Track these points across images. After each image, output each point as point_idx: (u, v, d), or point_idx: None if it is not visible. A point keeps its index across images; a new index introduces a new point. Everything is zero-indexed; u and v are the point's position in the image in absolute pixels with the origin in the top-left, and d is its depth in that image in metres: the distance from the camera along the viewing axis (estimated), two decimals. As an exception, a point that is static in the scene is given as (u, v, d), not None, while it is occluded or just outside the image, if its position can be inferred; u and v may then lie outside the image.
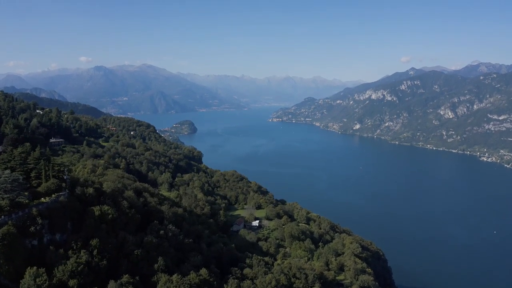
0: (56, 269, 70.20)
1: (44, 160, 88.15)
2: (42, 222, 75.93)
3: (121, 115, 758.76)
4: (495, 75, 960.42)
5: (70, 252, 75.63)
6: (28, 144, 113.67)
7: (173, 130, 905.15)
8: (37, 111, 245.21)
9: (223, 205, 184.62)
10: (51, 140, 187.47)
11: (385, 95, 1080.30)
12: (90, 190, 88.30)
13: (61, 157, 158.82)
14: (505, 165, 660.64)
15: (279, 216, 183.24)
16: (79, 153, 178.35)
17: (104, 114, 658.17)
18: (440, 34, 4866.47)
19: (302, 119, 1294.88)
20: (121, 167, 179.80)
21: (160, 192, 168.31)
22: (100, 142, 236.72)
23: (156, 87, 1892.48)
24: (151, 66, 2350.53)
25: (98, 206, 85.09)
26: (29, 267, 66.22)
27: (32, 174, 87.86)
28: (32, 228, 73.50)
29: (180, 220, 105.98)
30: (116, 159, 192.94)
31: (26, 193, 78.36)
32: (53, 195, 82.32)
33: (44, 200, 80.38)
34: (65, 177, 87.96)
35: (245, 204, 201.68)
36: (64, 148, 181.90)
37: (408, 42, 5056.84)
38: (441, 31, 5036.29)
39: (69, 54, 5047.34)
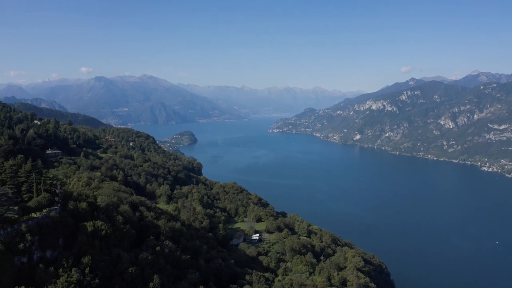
0: (45, 288, 66.80)
1: (36, 173, 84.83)
2: (32, 239, 72.53)
3: (121, 126, 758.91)
4: (495, 85, 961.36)
5: (60, 270, 72.27)
6: (20, 156, 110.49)
7: (173, 141, 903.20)
8: (35, 121, 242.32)
9: (223, 218, 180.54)
10: (48, 152, 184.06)
11: (385, 105, 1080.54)
12: (83, 204, 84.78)
13: (57, 169, 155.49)
14: (506, 175, 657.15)
15: (279, 229, 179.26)
16: (75, 164, 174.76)
17: (104, 124, 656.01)
18: (439, 44, 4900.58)
19: (302, 129, 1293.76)
20: (118, 179, 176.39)
21: (158, 205, 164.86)
22: (98, 153, 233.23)
23: (156, 97, 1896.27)
24: (152, 77, 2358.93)
25: (91, 222, 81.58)
26: (17, 286, 63.04)
27: (23, 188, 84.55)
28: (21, 245, 70.19)
29: (178, 235, 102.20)
30: (114, 171, 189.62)
31: (15, 208, 75.08)
32: (44, 210, 78.90)
33: (35, 215, 76.99)
34: (57, 191, 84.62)
35: (245, 216, 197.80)
36: (60, 160, 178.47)
37: (408, 53, 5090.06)
38: (440, 41, 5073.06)
39: (70, 65, 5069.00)
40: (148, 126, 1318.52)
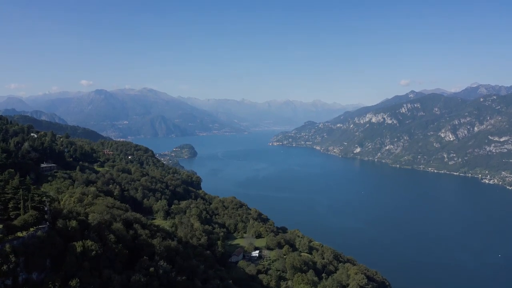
0: (28, 314, 62.06)
1: (23, 190, 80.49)
2: (17, 260, 68.04)
3: (121, 139, 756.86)
4: (495, 97, 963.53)
5: (46, 294, 67.64)
6: (9, 170, 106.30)
7: (173, 154, 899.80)
8: (32, 134, 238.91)
9: (222, 234, 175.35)
10: (42, 165, 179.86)
11: (385, 118, 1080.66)
12: (73, 223, 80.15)
13: (51, 183, 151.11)
14: (507, 187, 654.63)
15: (280, 246, 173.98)
16: (70, 179, 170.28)
17: (103, 137, 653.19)
18: (438, 57, 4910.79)
19: (302, 142, 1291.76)
20: (114, 194, 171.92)
21: (155, 221, 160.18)
22: (95, 167, 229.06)
23: (156, 111, 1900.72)
24: (152, 90, 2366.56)
25: (80, 242, 76.90)
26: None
27: (10, 205, 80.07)
28: (5, 267, 65.65)
29: (173, 254, 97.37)
30: (110, 185, 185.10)
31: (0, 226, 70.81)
32: (31, 229, 74.43)
33: (21, 235, 72.56)
34: (45, 209, 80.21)
35: (245, 232, 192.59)
36: (55, 174, 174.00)
37: (407, 65, 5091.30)
38: (439, 53, 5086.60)
39: (70, 77, 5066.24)
40: (148, 139, 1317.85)
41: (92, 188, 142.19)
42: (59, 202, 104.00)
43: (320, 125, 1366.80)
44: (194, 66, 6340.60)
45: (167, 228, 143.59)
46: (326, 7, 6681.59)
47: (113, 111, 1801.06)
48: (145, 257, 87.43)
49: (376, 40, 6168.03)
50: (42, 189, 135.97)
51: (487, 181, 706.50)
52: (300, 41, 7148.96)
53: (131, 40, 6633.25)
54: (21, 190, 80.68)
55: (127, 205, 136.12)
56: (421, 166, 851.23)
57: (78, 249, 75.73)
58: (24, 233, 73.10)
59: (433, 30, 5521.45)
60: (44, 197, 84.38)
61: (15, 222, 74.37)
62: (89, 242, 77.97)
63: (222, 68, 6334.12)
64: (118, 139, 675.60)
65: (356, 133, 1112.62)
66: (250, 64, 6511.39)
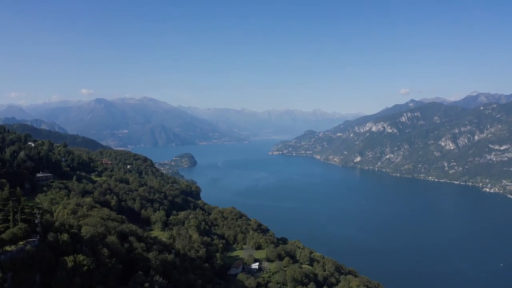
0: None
1: (13, 201, 77.26)
2: (4, 276, 64.81)
3: (121, 148, 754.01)
4: (495, 105, 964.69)
5: (34, 312, 64.29)
6: (2, 180, 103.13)
7: (173, 163, 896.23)
8: (29, 143, 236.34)
9: (221, 245, 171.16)
10: (38, 175, 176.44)
11: (386, 127, 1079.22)
12: (65, 236, 76.94)
13: (46, 193, 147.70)
14: (508, 196, 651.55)
15: (280, 257, 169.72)
16: (66, 189, 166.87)
17: (103, 146, 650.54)
18: (438, 66, 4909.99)
19: (302, 152, 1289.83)
20: (112, 204, 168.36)
21: (153, 232, 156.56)
22: (92, 177, 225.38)
23: (156, 120, 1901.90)
24: (152, 99, 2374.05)
25: (72, 256, 73.54)
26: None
27: (-1, 218, 76.83)
28: (-9, 283, 62.53)
29: (170, 268, 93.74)
30: (107, 196, 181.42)
31: (-13, 241, 67.52)
32: (20, 243, 71.19)
33: (9, 249, 69.30)
34: (36, 221, 76.94)
35: (244, 244, 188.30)
36: (51, 184, 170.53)
37: (407, 74, 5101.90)
38: (439, 62, 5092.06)
39: (70, 86, 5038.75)
40: (148, 148, 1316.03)
41: (88, 199, 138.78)
42: (51, 214, 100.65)
43: (320, 134, 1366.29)
44: (194, 76, 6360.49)
45: (165, 240, 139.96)
46: (325, 17, 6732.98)
47: (113, 120, 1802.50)
48: (140, 272, 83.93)
49: (375, 49, 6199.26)
50: (36, 200, 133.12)
51: (488, 190, 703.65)
52: (300, 50, 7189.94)
53: (131, 49, 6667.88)
54: (10, 201, 77.47)
55: (123, 217, 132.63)
56: (421, 175, 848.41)
57: (69, 264, 72.39)
58: (13, 247, 69.95)
59: (433, 39, 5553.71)
60: (35, 209, 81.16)
61: (4, 235, 71.06)
62: (81, 257, 74.62)
63: (222, 77, 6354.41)
64: (118, 148, 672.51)
65: (356, 142, 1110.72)
66: (250, 74, 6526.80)
